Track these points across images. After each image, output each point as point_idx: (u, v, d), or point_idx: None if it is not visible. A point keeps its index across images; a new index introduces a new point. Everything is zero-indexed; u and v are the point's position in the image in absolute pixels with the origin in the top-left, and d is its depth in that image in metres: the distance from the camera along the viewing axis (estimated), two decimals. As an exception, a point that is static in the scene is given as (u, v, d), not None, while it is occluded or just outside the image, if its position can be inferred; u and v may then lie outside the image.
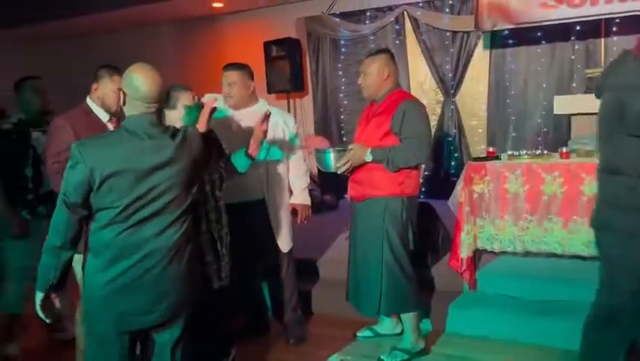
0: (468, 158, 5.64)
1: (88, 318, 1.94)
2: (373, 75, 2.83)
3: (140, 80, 1.86)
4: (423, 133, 2.75)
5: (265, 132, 2.59)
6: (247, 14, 6.66)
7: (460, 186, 3.39)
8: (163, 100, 2.04)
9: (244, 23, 6.74)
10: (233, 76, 2.96)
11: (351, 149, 2.79)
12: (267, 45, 6.18)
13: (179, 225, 1.92)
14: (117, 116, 2.64)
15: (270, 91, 6.14)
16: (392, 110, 2.76)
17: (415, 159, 2.76)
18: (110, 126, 2.64)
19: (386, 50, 2.98)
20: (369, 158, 2.75)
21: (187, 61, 6.96)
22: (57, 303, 1.95)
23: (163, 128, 1.94)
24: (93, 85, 2.66)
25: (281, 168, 3.09)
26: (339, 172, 2.84)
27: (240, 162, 2.53)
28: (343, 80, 6.25)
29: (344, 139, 6.15)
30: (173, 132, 1.93)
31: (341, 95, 6.30)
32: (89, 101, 2.67)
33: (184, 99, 2.35)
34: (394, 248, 2.80)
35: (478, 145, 5.69)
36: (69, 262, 1.89)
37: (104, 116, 2.65)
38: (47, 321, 1.97)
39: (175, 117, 2.33)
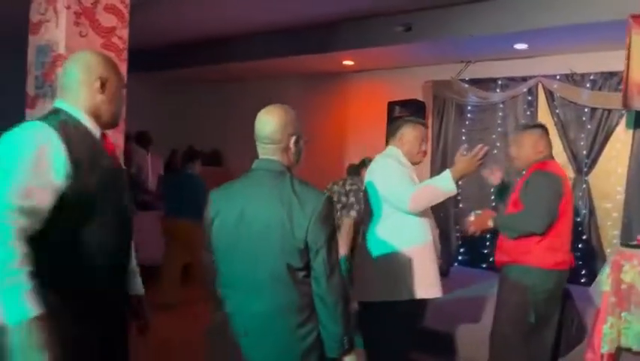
0: (597, 242, 5.22)
1: None
2: (527, 148, 2.98)
3: (257, 120, 1.87)
4: (536, 202, 2.78)
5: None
6: (374, 73, 6.81)
7: (605, 273, 3.09)
8: (281, 141, 1.83)
9: (370, 82, 6.89)
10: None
11: (479, 213, 3.05)
12: (391, 105, 6.23)
13: (282, 285, 1.72)
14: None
15: (389, 150, 6.13)
16: (524, 179, 2.91)
17: (524, 228, 2.80)
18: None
19: (541, 125, 3.11)
20: (490, 223, 2.96)
21: (312, 114, 7.14)
22: None
23: (276, 172, 1.79)
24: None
25: None
26: (468, 234, 3.12)
27: None
28: (465, 145, 6.08)
29: (460, 205, 5.99)
30: (289, 181, 1.77)
31: (461, 161, 6.14)
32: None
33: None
34: (508, 317, 2.82)
35: (611, 230, 5.22)
36: None
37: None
38: None
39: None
